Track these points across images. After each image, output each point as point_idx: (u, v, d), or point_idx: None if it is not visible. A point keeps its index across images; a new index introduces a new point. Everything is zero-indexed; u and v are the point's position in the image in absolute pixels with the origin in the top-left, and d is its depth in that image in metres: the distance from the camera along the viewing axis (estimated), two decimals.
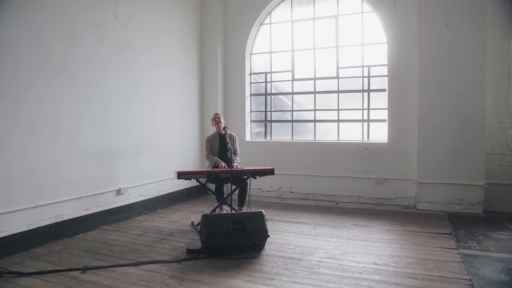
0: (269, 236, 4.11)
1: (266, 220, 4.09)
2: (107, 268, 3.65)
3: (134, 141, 5.72)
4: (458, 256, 3.87)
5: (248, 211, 4.29)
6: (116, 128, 5.39)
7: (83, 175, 4.90)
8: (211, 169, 5.17)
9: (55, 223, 4.54)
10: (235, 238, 3.93)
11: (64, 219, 4.64)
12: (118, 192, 5.43)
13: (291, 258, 3.89)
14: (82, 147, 4.88)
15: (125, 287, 3.24)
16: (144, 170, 5.90)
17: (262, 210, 4.16)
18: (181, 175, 4.81)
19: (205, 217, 3.99)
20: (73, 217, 4.76)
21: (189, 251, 4.01)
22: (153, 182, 6.08)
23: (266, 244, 4.16)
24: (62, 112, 4.61)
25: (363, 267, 3.63)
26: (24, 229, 4.21)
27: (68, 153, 4.70)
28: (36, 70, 4.33)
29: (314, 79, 6.99)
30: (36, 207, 4.33)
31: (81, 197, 4.86)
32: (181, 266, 3.70)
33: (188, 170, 4.95)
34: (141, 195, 5.84)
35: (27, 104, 4.23)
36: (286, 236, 4.64)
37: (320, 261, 3.79)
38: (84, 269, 3.62)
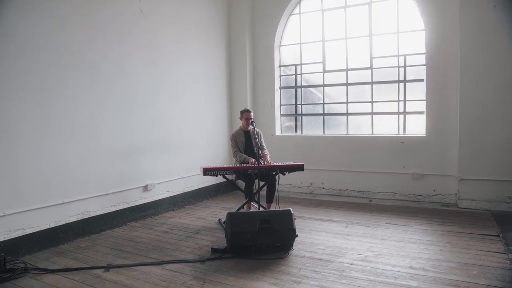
0: (297, 235, 3.91)
1: (294, 219, 3.89)
2: (130, 267, 3.58)
3: (160, 136, 5.65)
4: (508, 261, 3.51)
5: (276, 209, 4.09)
6: (141, 124, 5.32)
7: (109, 172, 4.87)
8: (238, 164, 5.02)
9: (82, 219, 4.54)
10: (261, 237, 3.76)
11: (91, 216, 4.64)
12: (145, 188, 5.38)
13: (320, 259, 3.67)
14: (107, 143, 4.85)
15: None
16: (171, 166, 5.83)
17: (290, 209, 3.95)
18: (207, 171, 4.68)
19: (230, 215, 3.85)
20: (100, 213, 4.75)
21: (214, 250, 3.89)
22: (180, 178, 6.00)
23: (294, 244, 3.96)
24: (85, 108, 4.58)
25: (398, 271, 3.36)
26: (52, 225, 4.24)
27: (94, 149, 4.68)
28: (56, 65, 4.25)
29: (346, 70, 6.66)
30: (63, 203, 4.35)
31: (108, 194, 4.85)
32: (205, 266, 3.57)
33: (216, 166, 4.82)
34: (168, 191, 5.78)
35: (49, 101, 4.20)
36: (316, 235, 4.42)
37: (351, 264, 3.55)
38: (108, 268, 3.57)
